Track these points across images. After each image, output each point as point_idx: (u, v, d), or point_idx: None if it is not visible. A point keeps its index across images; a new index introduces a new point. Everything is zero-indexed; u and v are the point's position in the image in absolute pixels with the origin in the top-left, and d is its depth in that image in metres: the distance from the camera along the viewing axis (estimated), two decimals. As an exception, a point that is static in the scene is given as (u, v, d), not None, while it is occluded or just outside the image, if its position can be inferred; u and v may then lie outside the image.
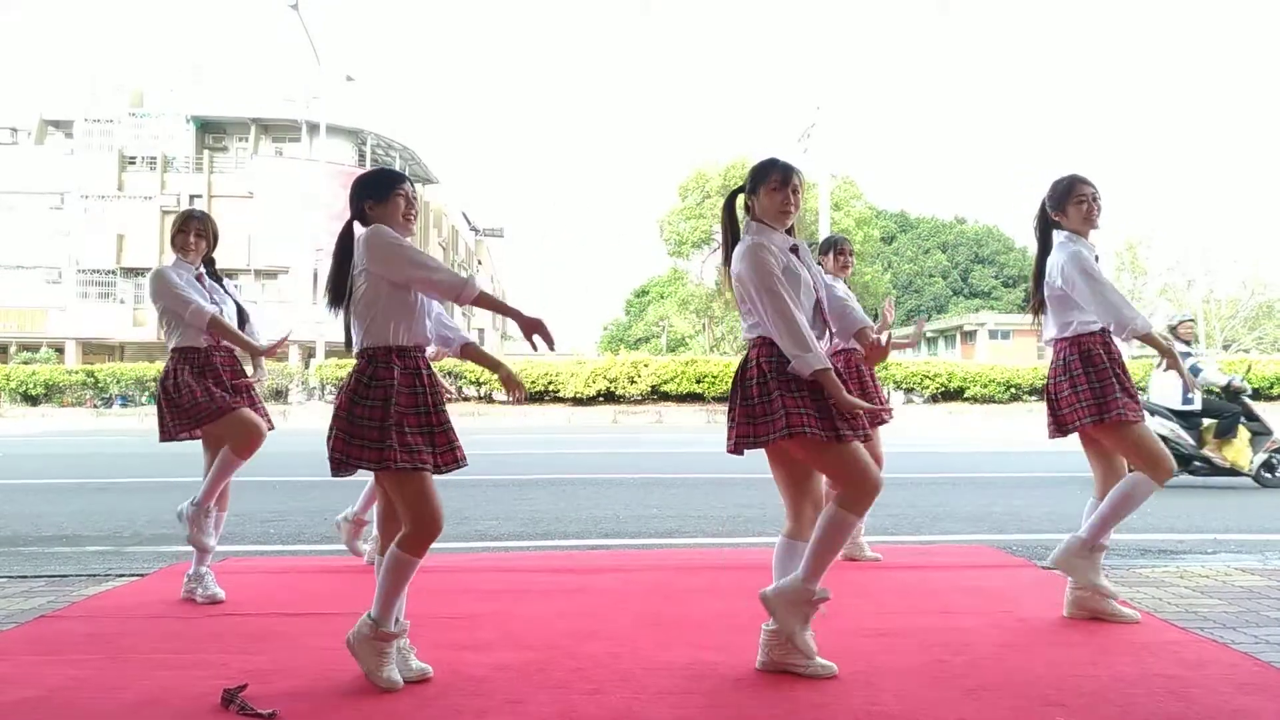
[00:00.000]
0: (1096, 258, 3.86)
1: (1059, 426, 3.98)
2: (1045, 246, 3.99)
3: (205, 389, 4.21)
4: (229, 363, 4.40)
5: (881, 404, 4.72)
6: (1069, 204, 3.90)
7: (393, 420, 2.99)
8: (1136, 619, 3.82)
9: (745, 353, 3.30)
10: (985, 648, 3.52)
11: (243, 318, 4.46)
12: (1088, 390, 3.81)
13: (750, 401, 3.18)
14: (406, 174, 3.34)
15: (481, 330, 64.54)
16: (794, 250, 3.27)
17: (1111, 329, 3.82)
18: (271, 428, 4.42)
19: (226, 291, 4.47)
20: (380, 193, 3.18)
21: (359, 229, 3.20)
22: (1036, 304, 4.05)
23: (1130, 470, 3.87)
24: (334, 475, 3.11)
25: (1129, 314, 3.71)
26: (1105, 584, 3.87)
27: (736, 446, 3.22)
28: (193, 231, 4.34)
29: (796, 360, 3.06)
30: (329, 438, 3.08)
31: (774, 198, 3.26)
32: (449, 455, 3.11)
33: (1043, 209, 4.02)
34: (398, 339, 3.08)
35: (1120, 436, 3.81)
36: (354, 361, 3.15)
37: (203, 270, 4.40)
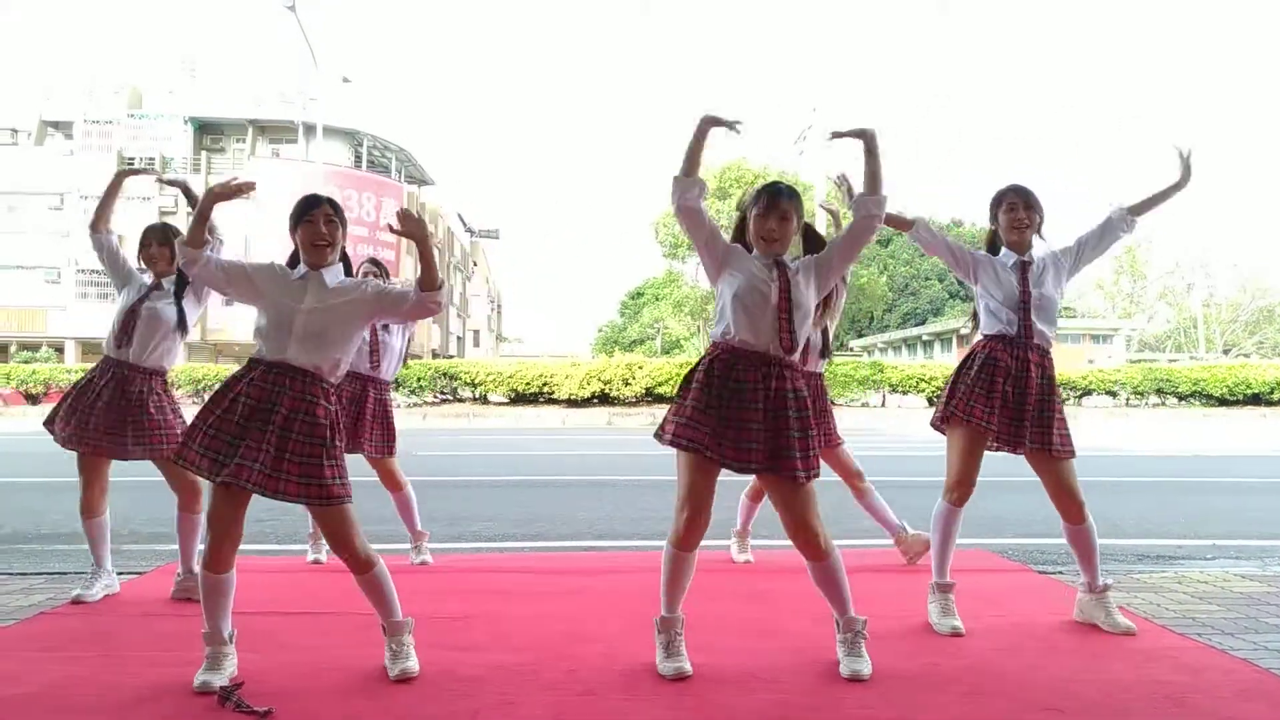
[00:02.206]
0: (1027, 263, 3.82)
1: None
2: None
3: (78, 409, 4.14)
4: (122, 383, 4.17)
5: (831, 431, 4.97)
6: (1000, 212, 3.91)
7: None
8: (1133, 630, 3.77)
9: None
10: (980, 652, 3.51)
11: (183, 322, 4.27)
12: (963, 389, 3.80)
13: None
14: (334, 200, 3.30)
15: (477, 331, 64.57)
16: (776, 264, 3.23)
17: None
18: (124, 455, 4.20)
19: (179, 297, 4.26)
20: (294, 224, 3.26)
21: None
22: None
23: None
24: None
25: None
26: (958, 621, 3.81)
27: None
28: (154, 243, 4.27)
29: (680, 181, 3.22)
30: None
31: (759, 224, 3.24)
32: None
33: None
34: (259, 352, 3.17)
35: (954, 436, 3.84)
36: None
37: (160, 283, 4.27)
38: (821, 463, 3.26)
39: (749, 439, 3.10)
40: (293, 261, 3.31)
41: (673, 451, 3.18)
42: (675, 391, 3.28)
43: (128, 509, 7.26)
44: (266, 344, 3.12)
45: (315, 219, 3.19)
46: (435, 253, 3.18)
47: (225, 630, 3.10)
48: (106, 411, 4.12)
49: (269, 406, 3.04)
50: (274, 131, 43.68)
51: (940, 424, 3.92)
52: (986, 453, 3.87)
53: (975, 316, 4.04)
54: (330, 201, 3.27)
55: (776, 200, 3.22)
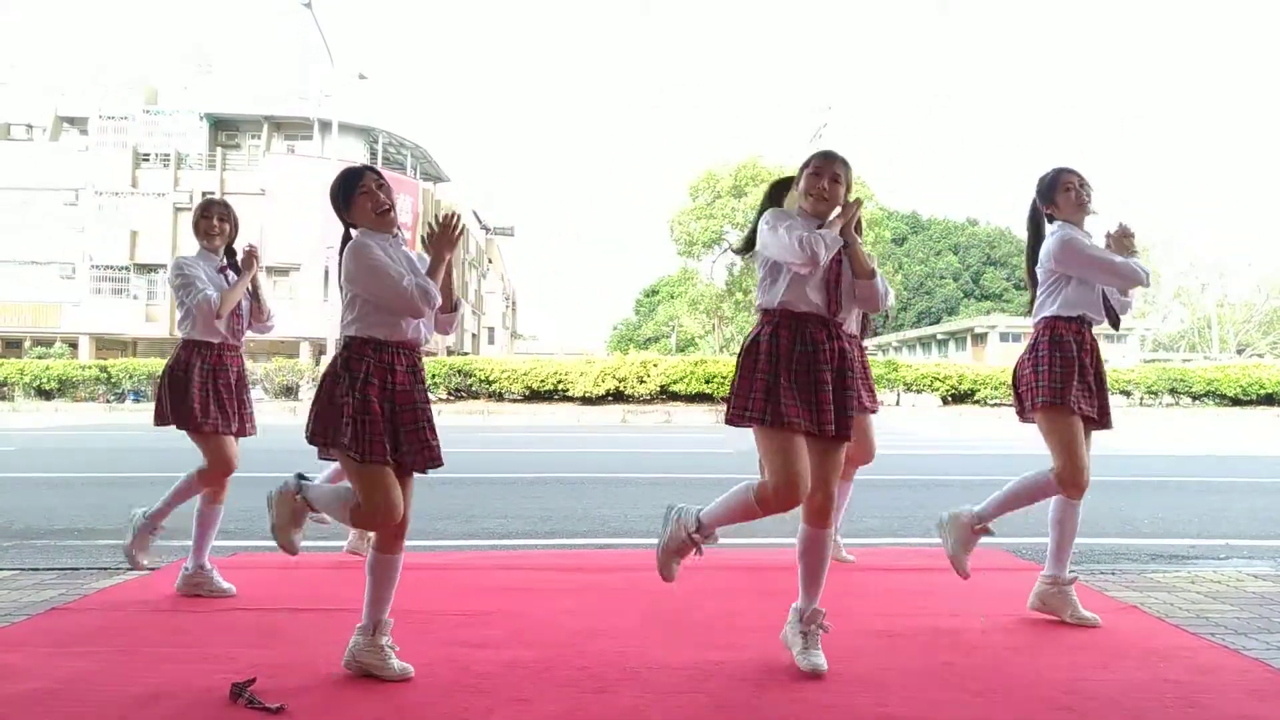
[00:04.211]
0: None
1: (1021, 410, 3.98)
2: (1036, 235, 4.02)
3: (203, 401, 4.18)
4: (237, 363, 4.37)
5: (872, 395, 4.91)
6: (1057, 194, 3.90)
7: (355, 410, 3.03)
8: (1097, 623, 3.81)
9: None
10: (993, 650, 3.51)
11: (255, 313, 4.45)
12: (1047, 373, 3.79)
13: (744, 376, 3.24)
14: (373, 166, 3.29)
15: (492, 328, 64.68)
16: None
17: (1132, 290, 3.86)
18: (253, 432, 4.40)
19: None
20: (345, 201, 3.19)
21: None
22: (1033, 296, 4.06)
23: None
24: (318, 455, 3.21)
25: (1134, 267, 3.77)
26: (967, 561, 4.00)
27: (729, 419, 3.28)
28: (215, 216, 4.32)
29: (823, 246, 3.10)
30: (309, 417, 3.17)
31: (810, 181, 3.26)
32: (420, 456, 3.11)
33: (1033, 205, 4.04)
34: (375, 333, 3.11)
35: (1051, 425, 3.79)
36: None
37: (225, 261, 4.36)
38: None
39: (826, 401, 3.16)
40: (345, 240, 3.25)
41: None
42: (736, 369, 3.29)
43: (146, 504, 7.30)
44: (381, 324, 3.10)
45: (368, 187, 3.17)
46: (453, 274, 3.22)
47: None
48: (236, 393, 4.30)
49: (391, 385, 3.10)
50: (289, 128, 43.82)
51: (1031, 414, 3.89)
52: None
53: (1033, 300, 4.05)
54: (370, 168, 3.27)
55: (831, 162, 3.27)
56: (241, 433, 4.34)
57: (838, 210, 3.25)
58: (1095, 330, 3.92)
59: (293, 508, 3.34)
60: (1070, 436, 3.75)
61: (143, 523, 4.44)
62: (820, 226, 3.22)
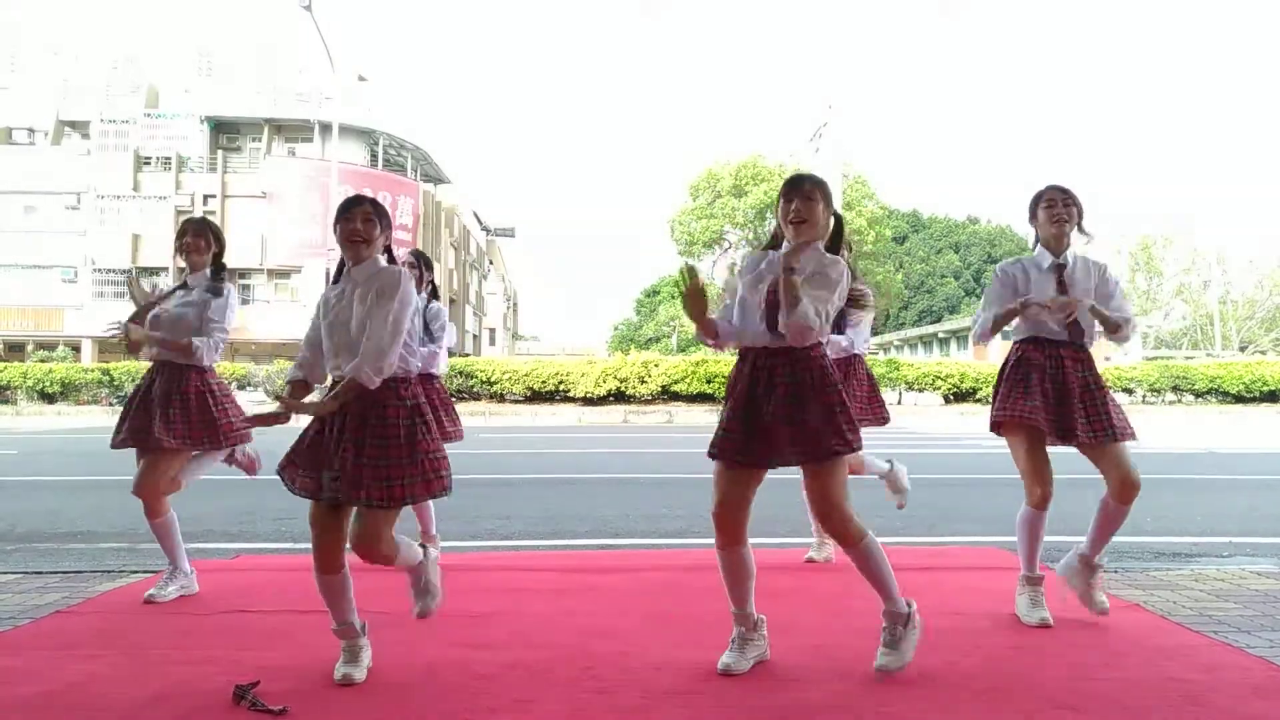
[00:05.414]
0: (1062, 266, 3.83)
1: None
2: None
3: (143, 410, 4.24)
4: (201, 390, 4.29)
5: (879, 406, 5.04)
6: (1039, 209, 3.91)
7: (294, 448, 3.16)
8: (1106, 610, 3.87)
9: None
10: (996, 650, 3.51)
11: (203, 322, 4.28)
12: (1003, 390, 3.87)
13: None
14: (372, 199, 3.29)
15: (493, 329, 64.70)
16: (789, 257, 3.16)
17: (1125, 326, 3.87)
18: (221, 445, 4.36)
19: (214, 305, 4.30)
20: (335, 225, 3.25)
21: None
22: None
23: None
24: None
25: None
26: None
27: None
28: (190, 234, 4.31)
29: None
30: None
31: (783, 209, 3.26)
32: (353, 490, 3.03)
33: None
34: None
35: (1008, 442, 3.86)
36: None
37: (185, 280, 4.34)
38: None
39: (785, 427, 3.10)
40: (340, 268, 3.30)
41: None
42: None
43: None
44: (329, 363, 3.22)
45: (353, 216, 3.20)
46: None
47: (355, 623, 3.19)
48: (180, 408, 4.30)
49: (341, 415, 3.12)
50: (290, 130, 43.85)
51: (995, 430, 3.97)
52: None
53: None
54: (373, 202, 3.27)
55: (797, 184, 3.26)
56: (197, 447, 4.32)
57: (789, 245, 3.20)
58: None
59: None
60: (1018, 454, 3.84)
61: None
62: (788, 252, 3.14)
